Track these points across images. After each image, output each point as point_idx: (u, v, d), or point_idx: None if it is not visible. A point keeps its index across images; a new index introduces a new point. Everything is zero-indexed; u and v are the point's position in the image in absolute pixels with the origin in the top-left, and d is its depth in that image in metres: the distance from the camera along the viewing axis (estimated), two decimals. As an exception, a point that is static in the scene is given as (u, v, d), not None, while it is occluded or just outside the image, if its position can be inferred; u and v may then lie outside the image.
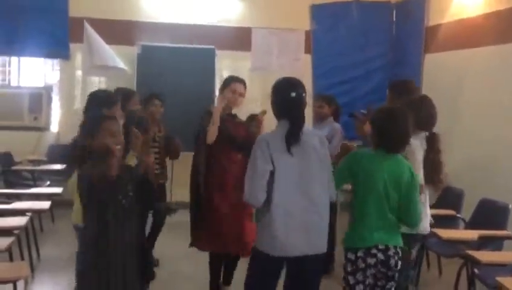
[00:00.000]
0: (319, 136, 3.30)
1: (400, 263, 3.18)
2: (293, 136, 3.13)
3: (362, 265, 3.14)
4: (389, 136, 3.19)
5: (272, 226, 3.09)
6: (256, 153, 3.12)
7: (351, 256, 3.18)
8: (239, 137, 4.25)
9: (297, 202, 3.11)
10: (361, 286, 3.16)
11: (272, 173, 3.09)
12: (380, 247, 3.13)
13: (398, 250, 3.19)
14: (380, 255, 3.13)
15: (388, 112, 3.29)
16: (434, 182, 3.68)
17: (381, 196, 3.15)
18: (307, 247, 3.13)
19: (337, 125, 5.46)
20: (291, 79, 3.33)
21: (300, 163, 3.13)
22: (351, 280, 3.19)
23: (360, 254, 3.15)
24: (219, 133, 4.17)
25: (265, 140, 3.15)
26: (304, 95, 3.25)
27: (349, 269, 3.19)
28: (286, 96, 3.20)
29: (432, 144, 3.71)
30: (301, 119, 3.20)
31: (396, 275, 3.19)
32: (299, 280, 3.23)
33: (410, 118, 3.24)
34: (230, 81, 4.39)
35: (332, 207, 5.36)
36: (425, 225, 3.79)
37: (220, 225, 4.25)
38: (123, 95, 4.47)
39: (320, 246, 3.19)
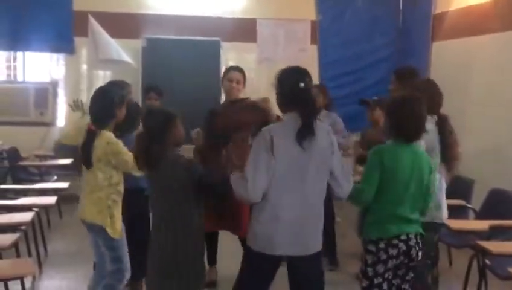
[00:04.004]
0: (326, 129, 3.09)
1: (420, 252, 3.15)
2: (307, 130, 2.90)
3: (384, 256, 3.10)
4: (407, 125, 3.13)
5: (263, 222, 2.96)
6: (260, 146, 2.91)
7: (372, 248, 3.13)
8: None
9: (292, 199, 2.94)
10: (380, 279, 3.12)
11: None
12: (402, 237, 3.10)
13: (419, 239, 3.15)
14: (402, 246, 3.09)
15: (403, 100, 3.22)
16: (450, 163, 3.63)
17: (402, 186, 3.10)
18: (296, 247, 2.97)
19: (334, 114, 5.44)
20: (298, 68, 3.11)
21: (303, 159, 2.93)
22: (370, 272, 3.14)
23: (381, 245, 3.10)
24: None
25: (270, 133, 2.92)
26: (312, 84, 3.08)
27: (369, 261, 3.14)
28: (295, 87, 2.98)
29: (443, 126, 3.66)
30: (314, 111, 3.00)
31: (418, 265, 3.18)
32: (298, 281, 3.09)
33: (424, 104, 3.18)
34: (227, 71, 4.53)
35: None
36: (443, 214, 3.75)
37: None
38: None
39: (312, 247, 3.04)
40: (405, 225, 3.12)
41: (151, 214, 3.50)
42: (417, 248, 3.14)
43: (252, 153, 2.94)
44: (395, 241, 3.09)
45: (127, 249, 3.72)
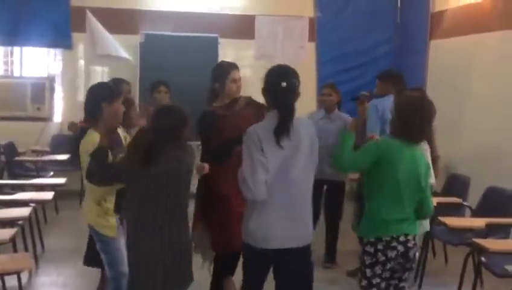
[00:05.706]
0: (309, 123, 3.19)
1: (417, 253, 3.20)
2: (282, 129, 2.99)
3: (382, 258, 3.09)
4: (414, 125, 3.10)
5: (254, 217, 3.04)
6: (250, 147, 3.00)
7: (370, 249, 3.11)
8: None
9: (280, 195, 3.01)
10: (377, 279, 3.11)
11: None
12: (401, 239, 3.09)
13: (415, 240, 3.17)
14: (401, 248, 3.08)
15: (417, 100, 3.21)
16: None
17: (401, 186, 3.08)
18: (289, 240, 3.05)
19: (346, 116, 5.38)
20: (283, 67, 3.15)
21: (288, 155, 3.01)
22: (368, 273, 3.12)
23: (379, 247, 3.08)
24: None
25: (256, 132, 3.01)
26: (296, 84, 3.09)
27: (367, 262, 3.12)
28: (276, 86, 3.03)
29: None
30: (291, 111, 3.04)
31: (414, 265, 3.18)
32: (287, 274, 3.12)
33: (432, 106, 3.18)
34: (228, 71, 4.02)
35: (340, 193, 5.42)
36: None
37: (231, 225, 3.83)
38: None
39: (303, 238, 3.11)
40: (403, 225, 3.10)
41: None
42: (415, 249, 3.14)
43: (246, 154, 3.02)
44: (394, 244, 3.07)
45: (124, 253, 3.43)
